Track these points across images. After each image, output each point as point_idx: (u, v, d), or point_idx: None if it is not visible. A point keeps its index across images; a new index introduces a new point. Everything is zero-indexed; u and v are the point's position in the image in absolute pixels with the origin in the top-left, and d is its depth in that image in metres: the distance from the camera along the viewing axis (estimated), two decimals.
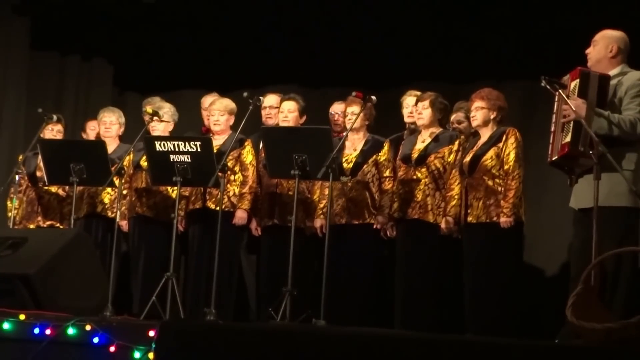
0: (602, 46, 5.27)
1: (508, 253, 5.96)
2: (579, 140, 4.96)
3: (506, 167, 5.98)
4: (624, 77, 5.18)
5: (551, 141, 5.20)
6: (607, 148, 4.80)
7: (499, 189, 5.97)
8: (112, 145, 7.18)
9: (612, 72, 5.19)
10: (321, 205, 6.57)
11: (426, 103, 6.41)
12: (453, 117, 6.64)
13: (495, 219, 5.92)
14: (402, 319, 6.24)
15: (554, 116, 5.22)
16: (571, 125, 5.00)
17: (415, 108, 6.51)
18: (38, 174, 7.27)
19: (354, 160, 6.54)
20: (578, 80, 5.08)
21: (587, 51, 5.33)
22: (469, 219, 6.02)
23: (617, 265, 4.95)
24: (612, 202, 4.99)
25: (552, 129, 5.20)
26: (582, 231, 5.14)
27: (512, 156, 5.97)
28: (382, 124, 6.89)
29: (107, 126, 7.33)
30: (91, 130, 7.77)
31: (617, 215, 5.02)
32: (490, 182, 6.00)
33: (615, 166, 4.76)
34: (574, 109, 4.94)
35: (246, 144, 6.75)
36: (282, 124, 6.76)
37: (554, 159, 5.17)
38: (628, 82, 5.14)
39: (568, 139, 5.01)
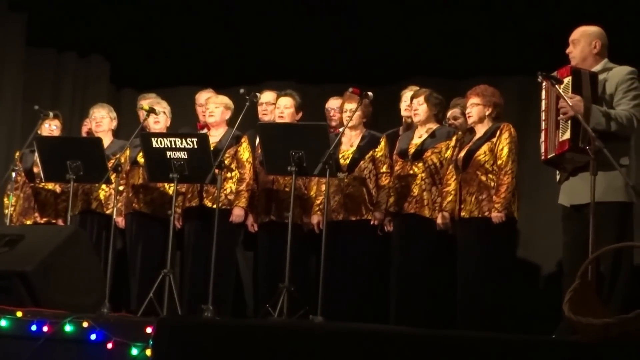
0: (585, 44, 5.24)
1: (500, 248, 5.95)
2: (579, 136, 4.95)
3: (499, 162, 5.97)
4: (610, 73, 5.16)
5: (543, 139, 5.17)
6: (602, 144, 4.80)
7: (492, 184, 5.97)
8: (105, 141, 7.14)
9: (595, 69, 5.18)
10: (318, 202, 6.56)
11: (421, 99, 6.42)
12: (449, 114, 6.65)
13: (487, 214, 5.92)
14: (397, 314, 6.24)
15: (543, 113, 5.19)
16: (569, 121, 4.99)
17: (411, 105, 6.51)
18: (35, 170, 7.26)
19: (350, 156, 6.54)
20: (570, 77, 5.07)
21: (568, 51, 5.28)
22: (462, 213, 6.03)
23: (615, 260, 4.94)
24: (609, 197, 4.99)
25: (543, 126, 5.18)
26: (573, 227, 5.14)
27: (505, 151, 5.97)
28: (379, 120, 6.90)
29: (98, 121, 7.33)
30: (84, 127, 7.78)
31: (614, 211, 5.02)
32: (483, 177, 6.00)
33: (612, 161, 4.75)
34: (571, 105, 4.94)
35: (242, 140, 6.74)
36: (278, 120, 6.76)
37: (550, 156, 5.15)
38: (617, 78, 5.12)
39: (567, 135, 4.99)
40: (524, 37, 7.30)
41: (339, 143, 6.38)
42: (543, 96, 5.19)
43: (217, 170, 6.15)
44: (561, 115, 5.01)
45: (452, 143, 6.32)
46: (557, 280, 5.57)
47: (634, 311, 3.78)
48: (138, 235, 6.96)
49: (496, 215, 5.88)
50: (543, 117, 5.19)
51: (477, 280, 5.89)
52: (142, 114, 6.95)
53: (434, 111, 6.43)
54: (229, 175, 6.66)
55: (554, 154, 5.12)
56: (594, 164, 4.80)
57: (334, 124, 6.97)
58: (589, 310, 3.99)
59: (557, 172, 5.32)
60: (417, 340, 4.07)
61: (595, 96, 5.06)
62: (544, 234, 6.99)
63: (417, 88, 6.63)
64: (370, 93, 6.17)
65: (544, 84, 5.13)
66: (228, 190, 6.66)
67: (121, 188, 6.96)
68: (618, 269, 4.96)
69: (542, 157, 5.21)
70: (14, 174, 7.30)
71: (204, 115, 7.02)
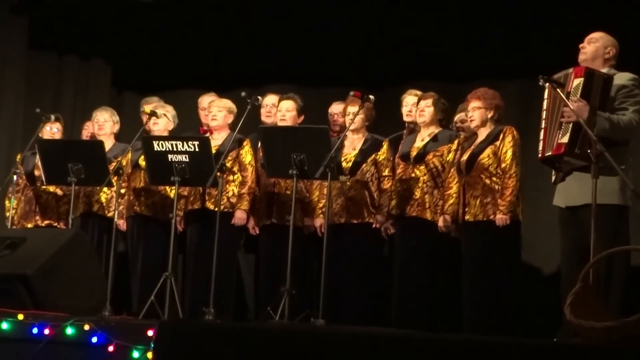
0: (601, 45, 5.28)
1: (505, 251, 5.96)
2: (577, 141, 4.97)
3: (503, 165, 5.98)
4: (614, 78, 5.18)
5: (542, 137, 5.19)
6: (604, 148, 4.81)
7: (496, 187, 5.97)
8: (107, 144, 7.14)
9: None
10: (321, 205, 6.56)
11: (429, 101, 6.42)
12: (457, 117, 6.64)
13: (492, 217, 5.92)
14: (399, 317, 6.24)
15: (544, 112, 5.21)
16: (570, 125, 5.00)
17: (417, 107, 6.51)
18: (36, 173, 7.26)
19: (353, 159, 6.54)
20: (582, 79, 5.07)
21: (582, 46, 5.31)
22: (467, 217, 6.02)
23: (609, 263, 4.95)
24: (604, 200, 4.98)
25: (543, 125, 5.20)
26: (570, 230, 5.16)
27: (509, 154, 5.97)
28: (381, 124, 6.89)
29: (101, 125, 7.32)
30: (85, 130, 7.79)
31: (609, 213, 5.03)
32: (487, 181, 6.00)
33: (614, 165, 4.76)
34: (575, 110, 4.94)
35: (245, 143, 6.74)
36: (280, 124, 6.76)
37: (547, 154, 5.17)
38: (619, 83, 5.15)
39: (566, 139, 5.00)
40: (524, 40, 7.31)
41: (341, 146, 6.39)
42: (545, 95, 5.20)
43: (218, 174, 6.16)
44: (565, 118, 5.02)
45: (454, 146, 6.33)
46: (558, 283, 5.56)
47: (634, 315, 3.79)
48: (139, 238, 6.96)
49: (501, 218, 5.87)
50: (544, 116, 5.20)
51: (481, 283, 5.88)
52: (144, 118, 6.96)
53: (439, 116, 6.44)
54: (231, 178, 6.66)
55: (550, 154, 5.13)
56: (595, 168, 4.81)
57: (337, 128, 6.98)
58: (590, 313, 3.99)
59: (553, 172, 5.34)
60: (419, 344, 4.08)
61: (605, 101, 5.08)
62: (545, 237, 6.97)
63: (418, 92, 6.64)
64: (371, 96, 6.17)
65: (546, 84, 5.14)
66: (230, 193, 6.66)
67: (123, 191, 6.96)
68: (610, 272, 4.97)
69: (539, 155, 5.23)
70: (15, 177, 7.30)
71: (207, 119, 7.02)
